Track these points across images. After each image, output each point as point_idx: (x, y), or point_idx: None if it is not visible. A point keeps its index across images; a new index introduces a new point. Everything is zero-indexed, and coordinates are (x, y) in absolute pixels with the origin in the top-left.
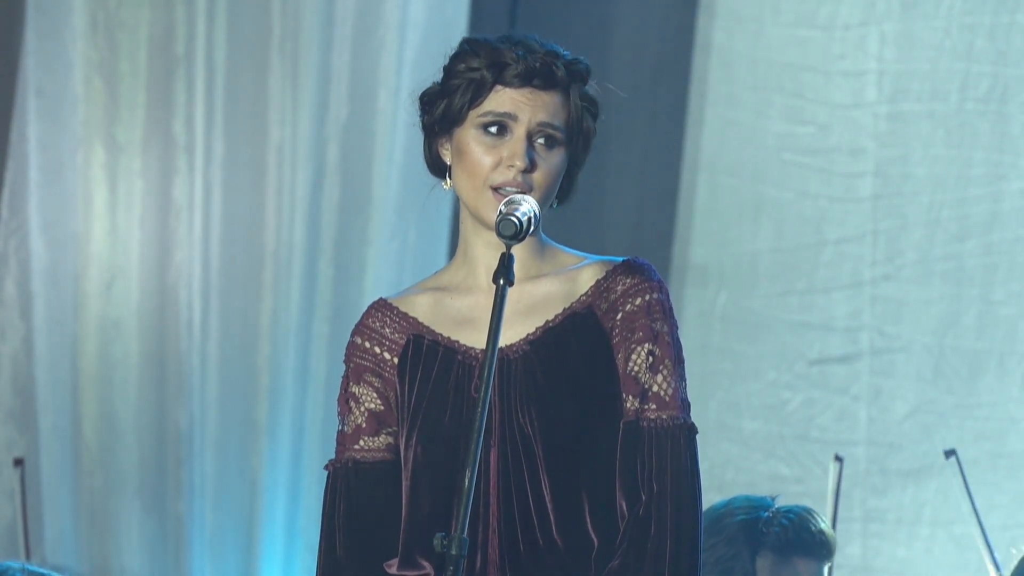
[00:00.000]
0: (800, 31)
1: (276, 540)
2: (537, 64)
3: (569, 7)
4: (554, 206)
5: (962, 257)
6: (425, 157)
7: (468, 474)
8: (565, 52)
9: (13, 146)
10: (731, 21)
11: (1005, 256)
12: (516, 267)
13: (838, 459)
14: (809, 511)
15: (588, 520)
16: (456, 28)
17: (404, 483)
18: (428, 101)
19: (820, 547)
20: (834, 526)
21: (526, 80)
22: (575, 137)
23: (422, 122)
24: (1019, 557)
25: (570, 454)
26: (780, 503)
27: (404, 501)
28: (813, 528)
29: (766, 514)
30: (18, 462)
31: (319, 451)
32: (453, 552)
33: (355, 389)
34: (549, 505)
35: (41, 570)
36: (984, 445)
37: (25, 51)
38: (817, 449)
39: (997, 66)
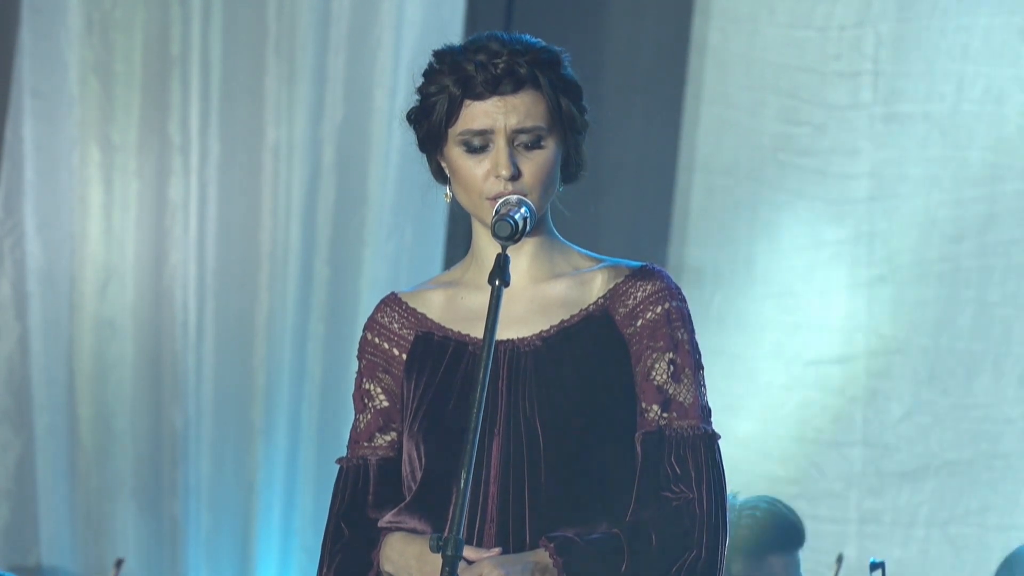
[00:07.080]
0: (796, 32)
1: (272, 541)
2: (498, 71)
3: (565, 7)
4: (560, 189)
5: (958, 258)
6: (430, 170)
7: (464, 476)
8: (532, 41)
9: (9, 147)
10: (726, 22)
11: (1001, 257)
12: (530, 265)
13: (839, 561)
14: (772, 502)
15: (583, 518)
16: (452, 28)
17: (406, 474)
18: (414, 121)
19: (791, 539)
20: None
21: (492, 89)
22: (560, 124)
23: (417, 141)
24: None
25: (573, 450)
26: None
27: (404, 491)
28: (780, 521)
29: (730, 515)
30: (119, 563)
31: (315, 452)
32: (449, 553)
33: (368, 386)
34: (546, 499)
35: None
36: (980, 446)
37: (20, 52)
38: (813, 450)
39: (992, 67)
